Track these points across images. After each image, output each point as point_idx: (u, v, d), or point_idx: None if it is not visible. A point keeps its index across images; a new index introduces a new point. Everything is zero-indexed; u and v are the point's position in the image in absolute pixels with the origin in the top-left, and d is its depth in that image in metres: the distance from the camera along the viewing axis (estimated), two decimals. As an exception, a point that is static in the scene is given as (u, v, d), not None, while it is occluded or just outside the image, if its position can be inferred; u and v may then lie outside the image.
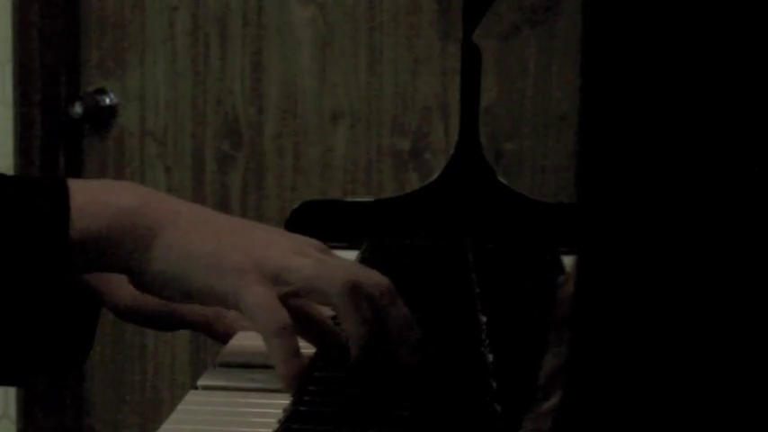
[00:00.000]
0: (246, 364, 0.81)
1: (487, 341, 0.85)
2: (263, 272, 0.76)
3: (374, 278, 0.79)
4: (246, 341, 0.86)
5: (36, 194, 0.75)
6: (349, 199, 1.38)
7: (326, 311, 0.82)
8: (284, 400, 0.73)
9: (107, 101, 2.11)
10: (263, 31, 2.03)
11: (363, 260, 1.18)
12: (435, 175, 1.34)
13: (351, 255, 1.19)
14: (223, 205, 2.07)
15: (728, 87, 0.40)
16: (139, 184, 0.82)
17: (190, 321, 0.92)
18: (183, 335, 2.01)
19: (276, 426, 0.69)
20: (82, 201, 0.75)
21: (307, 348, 0.86)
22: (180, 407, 0.73)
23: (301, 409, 0.72)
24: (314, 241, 0.83)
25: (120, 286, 0.90)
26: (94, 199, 0.76)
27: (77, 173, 2.13)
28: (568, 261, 0.54)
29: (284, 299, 0.76)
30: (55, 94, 2.09)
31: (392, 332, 0.78)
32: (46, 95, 2.08)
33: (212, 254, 0.76)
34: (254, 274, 0.76)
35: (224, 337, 0.90)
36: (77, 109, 2.07)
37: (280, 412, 0.71)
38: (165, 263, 0.76)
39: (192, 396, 0.75)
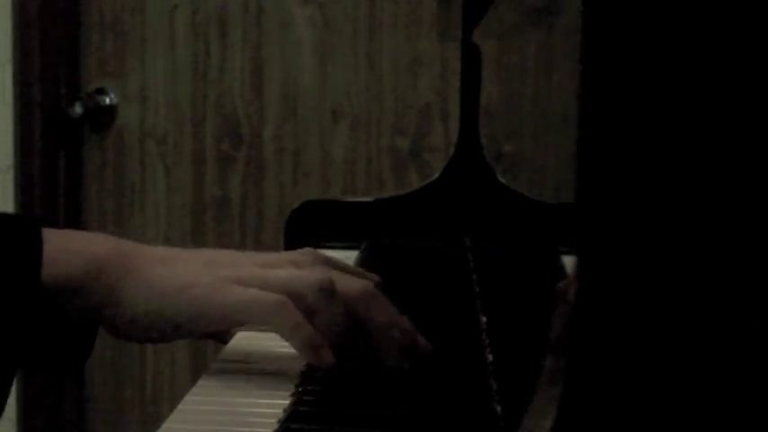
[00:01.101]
0: (246, 364, 0.81)
1: (487, 341, 0.85)
2: (241, 282, 0.77)
3: (352, 282, 0.79)
4: (246, 341, 0.86)
5: (8, 240, 0.75)
6: (349, 199, 1.38)
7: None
8: (284, 400, 0.73)
9: (107, 101, 2.11)
10: (263, 31, 2.03)
11: (363, 260, 1.18)
12: (435, 175, 1.34)
13: (351, 255, 1.19)
14: (223, 205, 2.07)
15: (728, 87, 0.40)
16: (110, 235, 0.82)
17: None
18: (183, 335, 2.01)
19: (276, 426, 0.69)
20: (53, 248, 0.75)
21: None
22: (180, 407, 0.73)
23: (301, 409, 0.72)
24: (292, 256, 0.83)
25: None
26: (65, 247, 0.76)
27: (77, 173, 2.13)
28: (568, 261, 0.54)
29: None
30: (55, 94, 2.09)
31: (373, 334, 0.78)
32: (46, 95, 2.08)
33: (188, 284, 0.76)
34: (233, 284, 0.77)
35: (224, 338, 0.90)
36: (77, 109, 2.08)
37: (280, 412, 0.71)
38: (142, 305, 0.76)
39: (191, 396, 0.75)
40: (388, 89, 1.99)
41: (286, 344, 0.76)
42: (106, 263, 0.77)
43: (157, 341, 0.79)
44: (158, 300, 0.76)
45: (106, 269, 0.76)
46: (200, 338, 0.89)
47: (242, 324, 0.79)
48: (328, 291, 0.77)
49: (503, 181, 1.14)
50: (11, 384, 0.77)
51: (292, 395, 0.74)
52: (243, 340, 0.87)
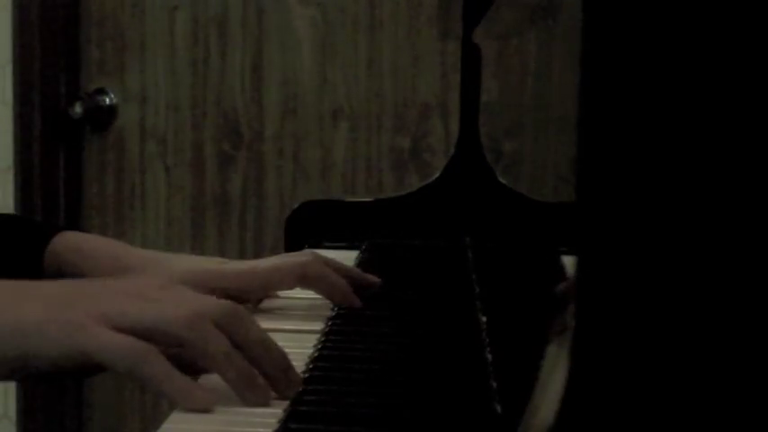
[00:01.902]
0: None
1: (487, 341, 0.85)
2: (100, 320, 0.71)
3: (217, 305, 0.74)
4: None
5: None
6: (349, 199, 1.38)
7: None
8: (284, 400, 0.73)
9: (107, 101, 2.10)
10: (263, 31, 2.03)
11: (363, 260, 1.18)
12: (435, 175, 1.34)
13: (351, 255, 1.19)
14: (223, 205, 2.07)
15: (728, 87, 0.40)
16: None
17: None
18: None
19: (276, 426, 0.69)
20: None
21: (302, 348, 0.86)
22: (180, 407, 0.73)
23: (301, 408, 0.72)
24: (210, 261, 0.79)
25: None
26: None
27: (77, 173, 2.13)
28: (568, 261, 0.54)
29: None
30: (55, 94, 2.09)
31: (249, 353, 0.73)
32: (46, 95, 2.08)
33: (45, 322, 0.72)
34: (92, 324, 0.71)
35: None
36: (77, 109, 2.07)
37: (280, 412, 0.71)
38: None
39: (191, 396, 0.75)
40: (388, 89, 1.99)
41: (287, 343, 0.76)
42: None
43: (17, 380, 0.74)
44: (14, 340, 0.72)
45: None
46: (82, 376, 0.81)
47: (105, 370, 0.73)
48: (198, 324, 0.71)
49: (503, 181, 1.14)
50: None
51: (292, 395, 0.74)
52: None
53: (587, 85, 0.42)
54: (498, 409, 0.71)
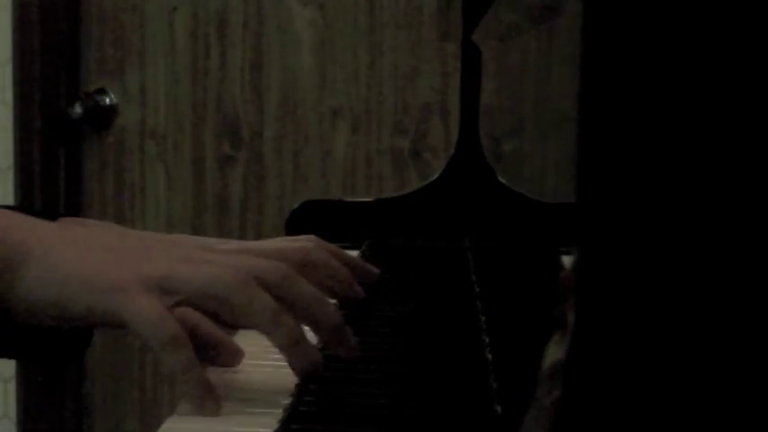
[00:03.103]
0: (247, 362, 0.81)
1: (487, 341, 0.85)
2: (146, 284, 0.71)
3: (267, 265, 0.74)
4: (247, 340, 0.86)
5: None
6: (349, 199, 1.38)
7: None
8: (285, 400, 0.73)
9: (107, 101, 2.11)
10: (263, 31, 2.03)
11: (363, 260, 1.18)
12: (435, 175, 1.34)
13: (355, 257, 1.19)
14: (223, 205, 2.07)
15: (728, 87, 0.40)
16: (6, 210, 0.77)
17: None
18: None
19: (276, 426, 0.69)
20: None
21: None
22: (180, 406, 0.73)
23: (301, 408, 0.72)
24: (209, 242, 0.78)
25: None
26: None
27: (77, 173, 2.13)
28: (568, 261, 0.54)
29: (174, 309, 0.72)
30: (55, 94, 2.09)
31: (300, 313, 0.73)
32: (46, 95, 2.08)
33: (89, 274, 0.72)
34: (137, 288, 0.71)
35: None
36: (77, 109, 2.07)
37: (280, 412, 0.71)
38: (38, 290, 0.71)
39: (192, 396, 0.75)
40: (388, 89, 1.99)
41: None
42: (0, 240, 0.72)
43: (46, 326, 0.73)
44: (58, 287, 0.71)
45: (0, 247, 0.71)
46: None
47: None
48: (246, 287, 0.72)
49: (503, 181, 1.14)
50: None
51: (292, 395, 0.74)
52: (244, 339, 0.87)
53: (587, 85, 0.42)
54: (498, 409, 0.71)
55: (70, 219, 0.99)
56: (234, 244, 0.95)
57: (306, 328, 0.75)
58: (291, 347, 0.72)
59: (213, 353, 0.78)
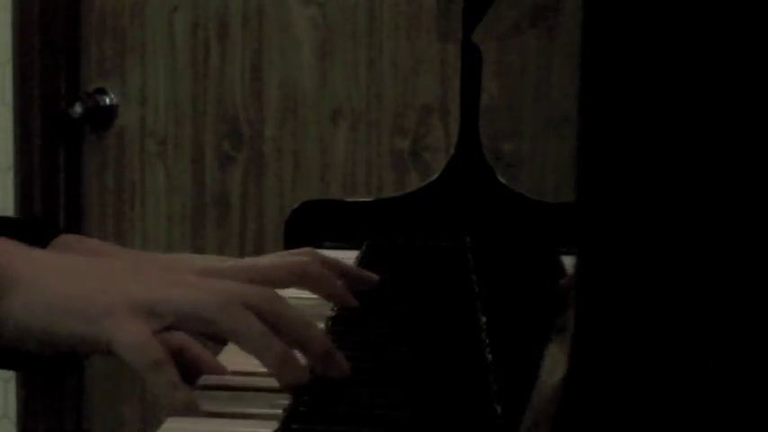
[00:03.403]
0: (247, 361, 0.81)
1: (487, 341, 0.85)
2: (132, 309, 0.72)
3: (253, 290, 0.75)
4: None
5: None
6: (349, 199, 1.38)
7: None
8: (285, 400, 0.73)
9: (107, 101, 2.11)
10: (263, 31, 2.03)
11: (363, 260, 1.18)
12: (435, 175, 1.34)
13: (351, 255, 1.19)
14: (223, 205, 2.07)
15: (728, 87, 0.40)
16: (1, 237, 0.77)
17: None
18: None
19: (276, 425, 0.69)
20: None
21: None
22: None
23: (301, 408, 0.72)
24: (208, 260, 0.78)
25: None
26: None
27: (77, 173, 2.13)
28: (568, 261, 0.54)
29: (160, 331, 0.73)
30: (55, 94, 2.09)
31: (288, 335, 0.74)
32: (46, 95, 2.08)
33: (77, 300, 0.72)
34: (123, 313, 0.72)
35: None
36: (77, 109, 2.07)
37: (280, 412, 0.71)
38: (25, 317, 0.72)
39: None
40: (388, 89, 1.99)
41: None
42: None
43: (34, 352, 0.74)
44: (44, 314, 0.72)
45: None
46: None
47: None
48: (233, 309, 0.72)
49: (503, 181, 1.14)
50: None
51: (292, 395, 0.74)
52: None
53: (587, 85, 0.42)
54: (498, 409, 0.71)
55: (69, 237, 0.99)
56: (231, 261, 0.96)
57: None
58: (279, 367, 0.73)
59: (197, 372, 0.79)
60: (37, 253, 0.77)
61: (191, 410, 0.71)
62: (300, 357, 0.75)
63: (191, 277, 0.78)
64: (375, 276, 1.02)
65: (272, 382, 0.75)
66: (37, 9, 2.06)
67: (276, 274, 0.94)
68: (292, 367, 0.74)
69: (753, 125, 0.40)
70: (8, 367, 0.84)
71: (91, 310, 0.72)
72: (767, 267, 0.40)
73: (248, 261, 0.97)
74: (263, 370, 0.75)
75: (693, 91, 0.40)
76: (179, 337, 0.76)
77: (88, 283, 0.74)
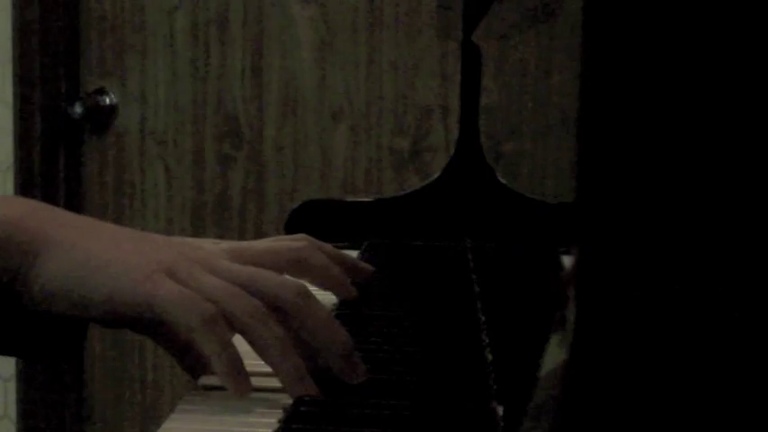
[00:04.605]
0: (247, 361, 0.81)
1: (487, 341, 0.85)
2: (171, 274, 0.71)
3: (241, 302, 0.72)
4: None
5: None
6: (349, 199, 1.38)
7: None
8: (285, 400, 0.73)
9: (107, 101, 2.11)
10: (263, 31, 2.03)
11: (363, 260, 1.18)
12: (435, 175, 1.34)
13: (351, 255, 1.19)
14: (223, 205, 2.07)
15: (728, 87, 0.40)
16: (33, 200, 0.76)
17: None
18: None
19: (276, 425, 0.69)
20: None
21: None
22: (180, 406, 0.73)
23: (301, 408, 0.72)
24: (198, 243, 0.78)
25: None
26: None
27: (77, 173, 2.13)
28: (568, 261, 0.54)
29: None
30: (55, 94, 2.09)
31: (314, 336, 0.74)
32: (46, 95, 2.08)
33: (115, 262, 0.71)
34: (163, 276, 0.70)
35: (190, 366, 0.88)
36: (77, 109, 2.08)
37: (280, 412, 0.71)
38: (58, 277, 0.71)
39: (191, 396, 0.75)
40: (388, 89, 1.99)
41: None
42: (18, 226, 0.71)
43: (62, 313, 0.72)
44: (78, 273, 0.71)
45: (17, 234, 0.71)
46: (138, 331, 0.80)
47: (163, 323, 0.72)
48: (208, 323, 0.70)
49: (503, 181, 1.15)
50: None
51: (292, 395, 0.74)
52: (242, 339, 0.87)
53: (587, 85, 0.42)
54: (498, 408, 0.71)
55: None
56: (225, 245, 0.94)
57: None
58: (294, 383, 0.72)
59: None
60: (70, 216, 0.76)
61: (240, 370, 0.70)
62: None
63: (224, 262, 0.75)
64: (371, 267, 1.00)
65: (273, 382, 0.75)
66: (37, 9, 2.06)
67: (270, 258, 0.89)
68: (307, 386, 0.73)
69: (752, 125, 0.40)
70: (12, 350, 0.82)
71: (131, 272, 0.70)
72: (766, 264, 0.40)
73: (244, 243, 0.94)
74: (264, 370, 0.75)
75: (693, 91, 0.40)
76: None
77: (125, 246, 0.73)
